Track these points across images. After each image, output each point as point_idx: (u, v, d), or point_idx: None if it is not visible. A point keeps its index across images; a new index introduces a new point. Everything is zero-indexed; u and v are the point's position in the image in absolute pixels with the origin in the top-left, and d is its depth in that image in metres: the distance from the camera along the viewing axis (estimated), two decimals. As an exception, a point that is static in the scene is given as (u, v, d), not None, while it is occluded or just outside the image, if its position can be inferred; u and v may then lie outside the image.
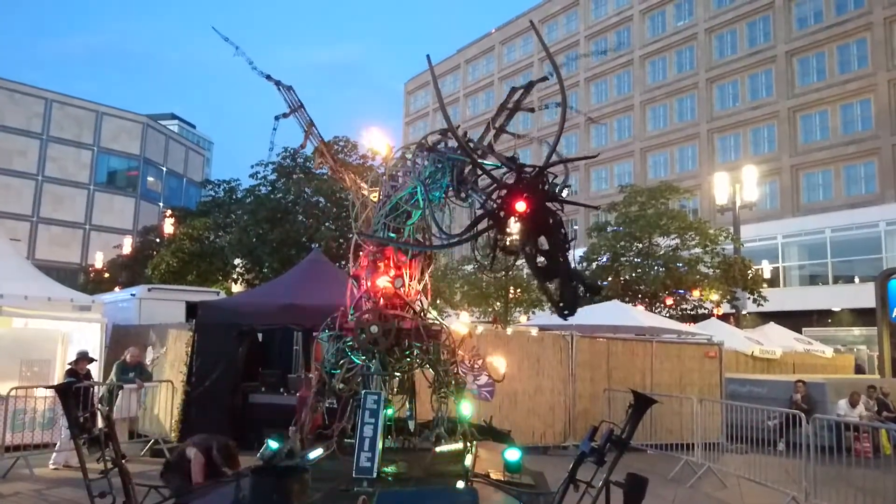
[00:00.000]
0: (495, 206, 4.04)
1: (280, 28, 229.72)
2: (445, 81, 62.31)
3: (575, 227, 41.11)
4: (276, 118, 6.52)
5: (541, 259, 3.96)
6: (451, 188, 4.63)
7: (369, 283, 5.37)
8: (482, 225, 4.16)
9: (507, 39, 56.84)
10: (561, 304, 3.92)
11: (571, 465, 4.01)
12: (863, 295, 27.47)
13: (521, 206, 3.75)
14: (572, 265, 4.00)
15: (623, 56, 46.88)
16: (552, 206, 3.95)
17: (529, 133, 51.44)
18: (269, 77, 6.39)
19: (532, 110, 5.63)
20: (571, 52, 50.10)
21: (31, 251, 50.45)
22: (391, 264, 5.36)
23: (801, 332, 28.02)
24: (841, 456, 8.53)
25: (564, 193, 4.04)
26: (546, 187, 3.95)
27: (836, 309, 33.33)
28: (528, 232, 3.85)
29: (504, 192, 3.96)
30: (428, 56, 4.81)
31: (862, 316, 30.06)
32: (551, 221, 3.87)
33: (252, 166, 28.17)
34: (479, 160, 4.46)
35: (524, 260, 4.11)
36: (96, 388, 10.95)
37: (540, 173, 3.97)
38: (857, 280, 33.51)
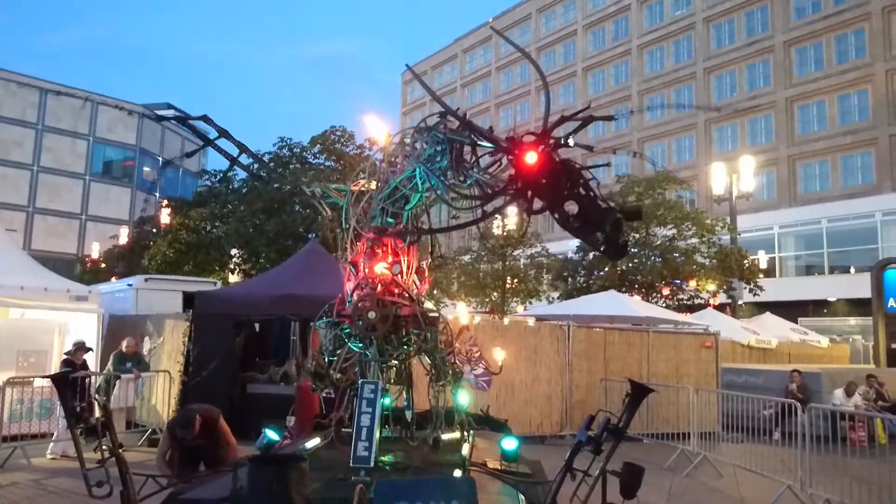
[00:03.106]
0: (510, 178, 4.02)
1: (274, 23, 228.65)
2: (443, 71, 62.14)
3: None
4: (171, 162, 6.02)
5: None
6: (449, 170, 4.62)
7: (367, 270, 5.36)
8: (497, 203, 4.14)
9: (504, 29, 56.55)
10: (605, 248, 3.92)
11: (568, 454, 4.03)
12: (858, 285, 27.56)
13: (531, 156, 3.74)
14: (607, 205, 3.95)
15: (621, 46, 46.77)
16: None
17: (527, 123, 51.34)
18: (159, 118, 5.93)
19: (590, 148, 5.34)
20: (569, 42, 49.99)
21: (27, 242, 50.31)
22: (389, 251, 5.35)
23: (796, 322, 28.16)
24: (836, 445, 8.56)
25: (570, 142, 4.04)
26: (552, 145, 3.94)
27: (832, 299, 33.46)
28: (550, 191, 3.82)
29: (510, 157, 3.97)
30: (407, 65, 4.79)
31: (857, 306, 30.19)
32: (570, 173, 3.84)
33: (248, 156, 28.03)
34: (478, 141, 4.45)
35: (560, 226, 4.08)
36: (93, 378, 10.96)
37: (545, 134, 3.98)
38: (852, 270, 33.61)
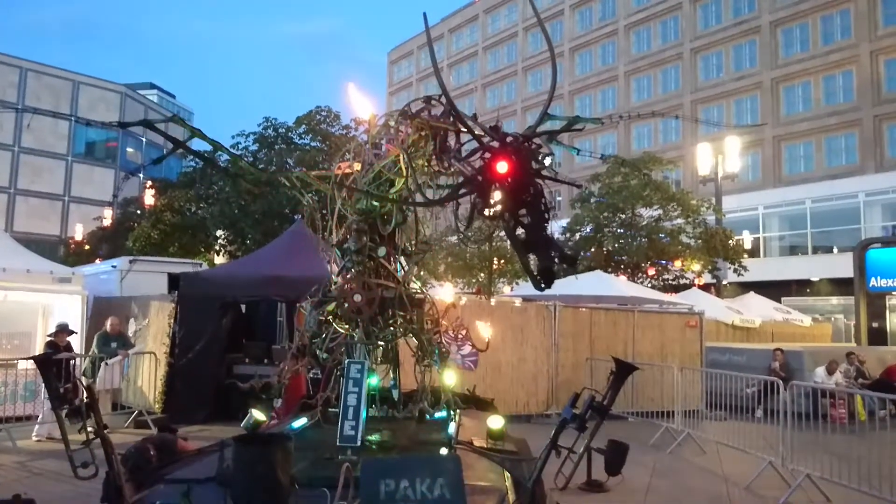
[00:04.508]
0: (476, 169, 3.99)
1: (257, 1, 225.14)
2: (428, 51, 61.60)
3: (559, 199, 41.17)
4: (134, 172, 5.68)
5: (521, 232, 3.93)
6: (433, 157, 4.59)
7: (353, 253, 5.33)
8: (467, 190, 4.10)
9: (492, 8, 56.19)
10: (538, 277, 3.89)
11: (553, 432, 4.06)
12: (841, 265, 27.87)
13: (502, 166, 3.70)
14: (551, 236, 3.94)
15: (608, 26, 46.59)
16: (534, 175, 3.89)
17: (513, 104, 51.19)
18: (123, 125, 5.76)
19: (577, 150, 5.24)
20: (556, 22, 49.69)
21: (9, 224, 49.70)
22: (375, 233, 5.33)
23: (780, 302, 28.41)
24: (817, 422, 8.69)
25: (547, 162, 4.01)
26: (529, 157, 3.90)
27: (815, 279, 33.80)
28: (509, 198, 3.80)
29: (487, 154, 3.91)
30: (424, 14, 4.63)
31: (840, 285, 30.51)
32: (532, 190, 3.82)
33: (233, 136, 27.85)
34: (462, 129, 4.41)
35: (504, 232, 4.04)
36: (78, 360, 10.90)
37: (526, 140, 3.93)
38: (835, 250, 33.94)
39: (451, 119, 4.45)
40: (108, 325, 11.45)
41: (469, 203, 4.10)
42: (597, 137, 45.92)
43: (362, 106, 5.68)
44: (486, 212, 3.94)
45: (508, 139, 3.96)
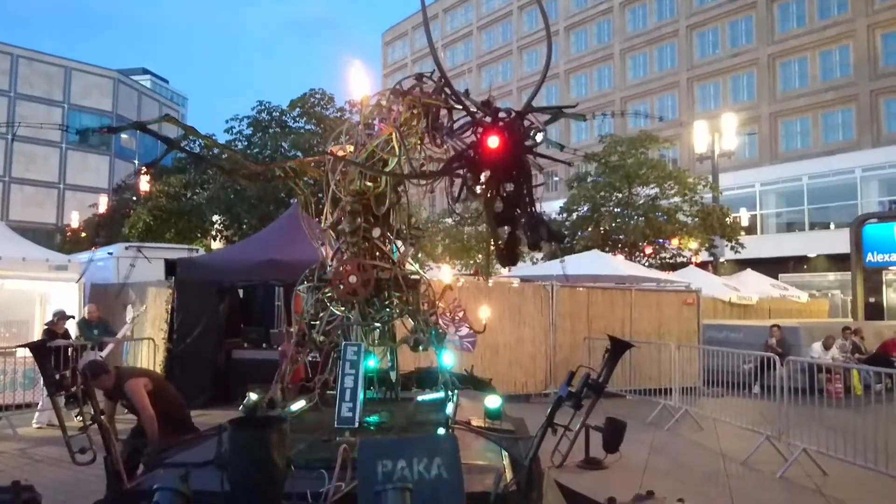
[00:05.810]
0: (468, 145, 3.95)
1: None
2: (423, 32, 61.11)
3: (555, 178, 41.08)
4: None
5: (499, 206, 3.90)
6: (426, 134, 4.55)
7: (347, 235, 5.31)
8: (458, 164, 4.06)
9: (486, -12, 55.73)
10: (505, 247, 3.90)
11: (549, 410, 4.07)
12: (838, 241, 27.90)
13: (493, 141, 3.67)
14: (538, 212, 3.92)
15: (603, 4, 46.20)
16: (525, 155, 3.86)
17: (509, 83, 50.87)
18: (112, 130, 5.69)
19: (561, 147, 5.21)
20: (551, 0, 49.25)
21: (4, 212, 49.63)
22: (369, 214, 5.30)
23: (777, 278, 28.50)
24: (813, 397, 8.74)
25: (538, 138, 3.97)
26: (521, 132, 3.86)
27: (812, 255, 33.86)
28: (496, 171, 3.77)
29: (479, 129, 3.88)
30: None
31: (837, 261, 30.59)
32: (520, 166, 3.79)
33: (227, 121, 27.69)
34: (455, 105, 4.37)
35: (484, 204, 4.02)
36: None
37: (519, 116, 3.89)
38: (832, 226, 33.95)
39: (444, 95, 4.40)
40: (85, 311, 11.43)
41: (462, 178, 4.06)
42: (593, 116, 45.64)
43: (361, 86, 5.61)
44: (476, 188, 3.91)
45: (500, 114, 3.92)
